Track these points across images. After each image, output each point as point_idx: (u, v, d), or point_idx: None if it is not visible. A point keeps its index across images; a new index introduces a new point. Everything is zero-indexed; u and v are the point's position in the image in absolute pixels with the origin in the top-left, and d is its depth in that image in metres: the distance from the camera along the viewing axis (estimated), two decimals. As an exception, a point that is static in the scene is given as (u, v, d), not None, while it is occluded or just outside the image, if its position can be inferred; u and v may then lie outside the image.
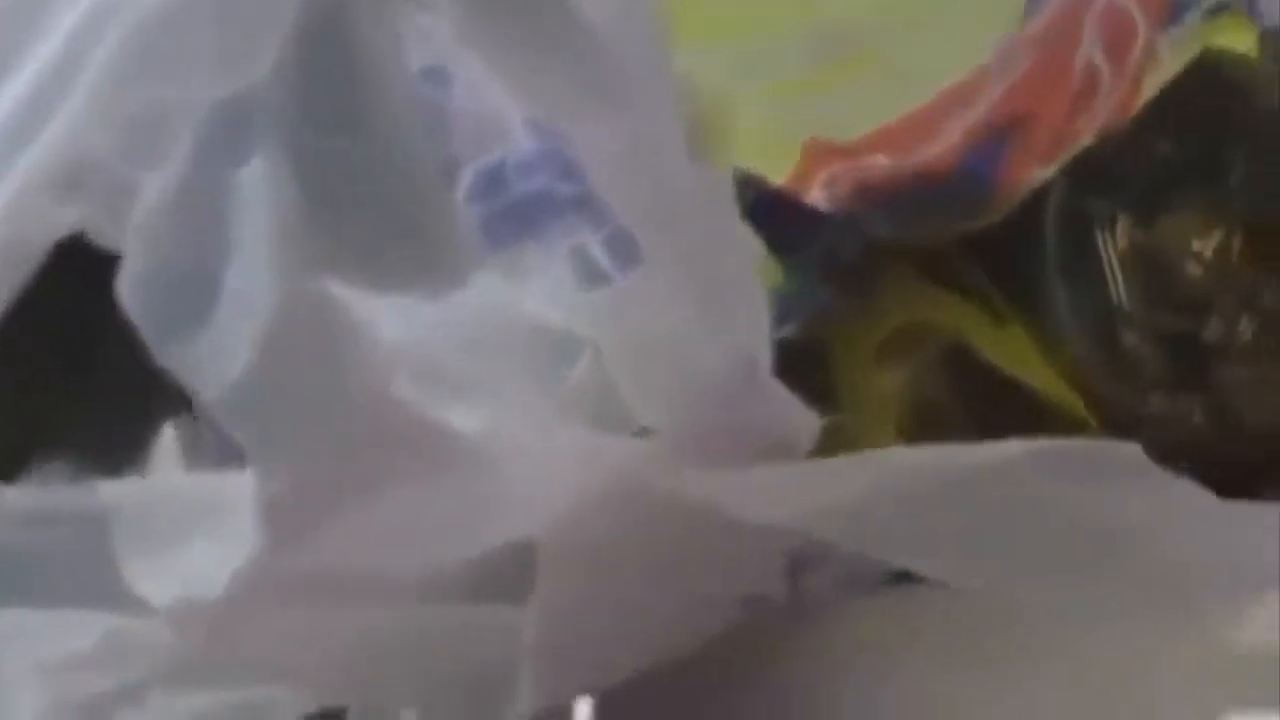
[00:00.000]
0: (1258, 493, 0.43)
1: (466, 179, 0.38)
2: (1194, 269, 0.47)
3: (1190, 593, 0.31)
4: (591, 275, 0.37)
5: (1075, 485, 0.32)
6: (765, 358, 0.35)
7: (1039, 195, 0.45)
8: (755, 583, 0.36)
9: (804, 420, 0.36)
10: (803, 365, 0.43)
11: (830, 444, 0.42)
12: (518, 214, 0.38)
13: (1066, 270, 0.46)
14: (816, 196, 0.40)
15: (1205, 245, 0.47)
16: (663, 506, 0.33)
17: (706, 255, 0.34)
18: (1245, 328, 0.47)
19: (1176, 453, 0.42)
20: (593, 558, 0.34)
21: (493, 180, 0.39)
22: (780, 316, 0.40)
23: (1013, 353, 0.46)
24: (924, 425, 0.45)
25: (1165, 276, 0.47)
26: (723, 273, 0.35)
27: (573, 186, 0.38)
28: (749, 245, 0.36)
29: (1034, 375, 0.46)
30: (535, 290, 0.37)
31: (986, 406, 0.46)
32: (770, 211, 0.40)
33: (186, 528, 0.38)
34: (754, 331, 0.35)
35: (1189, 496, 0.32)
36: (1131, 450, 0.33)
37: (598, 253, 0.37)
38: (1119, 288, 0.46)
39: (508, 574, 0.34)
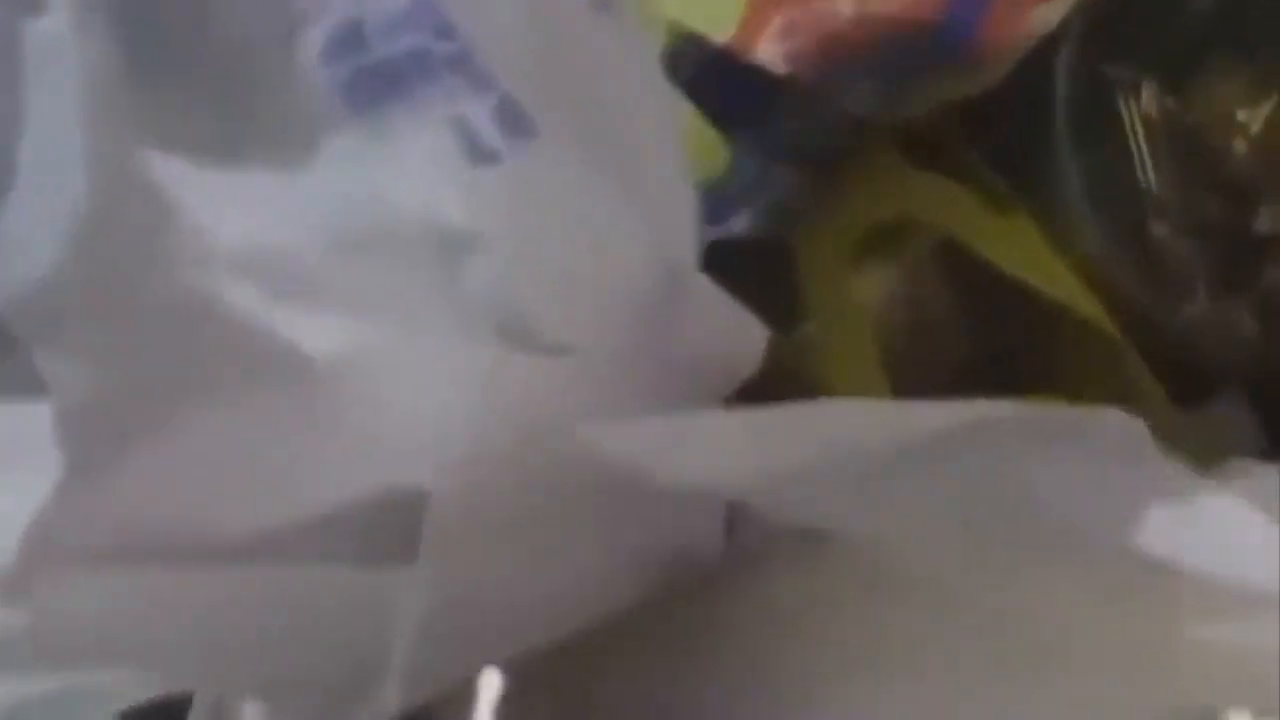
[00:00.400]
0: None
1: (316, 42, 0.33)
2: (1239, 145, 0.42)
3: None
4: (475, 151, 0.32)
5: (1051, 462, 0.29)
6: (690, 257, 0.32)
7: (1046, 57, 0.40)
8: (689, 535, 0.33)
9: (748, 335, 0.33)
10: (762, 269, 0.40)
11: (798, 364, 0.40)
12: (381, 76, 0.33)
13: (1082, 148, 0.41)
14: (770, 52, 0.35)
15: (1252, 116, 0.42)
16: (578, 454, 0.29)
17: (617, 129, 0.31)
18: None
19: (1218, 367, 0.42)
20: (494, 511, 0.30)
21: (347, 41, 0.33)
22: (728, 209, 0.37)
23: (1018, 249, 0.41)
24: (911, 340, 0.41)
25: (1204, 155, 0.42)
26: (638, 152, 0.31)
27: (449, 45, 0.33)
28: (673, 118, 0.32)
29: (1044, 276, 0.41)
30: (407, 170, 0.32)
31: (987, 316, 0.42)
32: (715, 77, 0.35)
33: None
34: (677, 225, 0.32)
35: (1184, 486, 0.30)
36: (1128, 423, 0.29)
37: (483, 124, 0.32)
38: (1146, 169, 0.41)
39: (382, 530, 0.31)
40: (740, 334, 0.32)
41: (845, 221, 0.40)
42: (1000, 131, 0.42)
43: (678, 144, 0.31)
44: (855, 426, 0.30)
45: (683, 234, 0.31)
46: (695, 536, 0.33)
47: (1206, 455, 0.37)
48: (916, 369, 0.41)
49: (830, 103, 0.37)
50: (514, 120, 0.31)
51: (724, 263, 0.36)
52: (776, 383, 0.37)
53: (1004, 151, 0.42)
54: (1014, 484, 0.29)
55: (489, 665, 0.35)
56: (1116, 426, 0.30)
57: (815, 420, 0.30)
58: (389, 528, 0.30)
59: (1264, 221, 0.42)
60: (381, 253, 0.32)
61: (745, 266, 0.38)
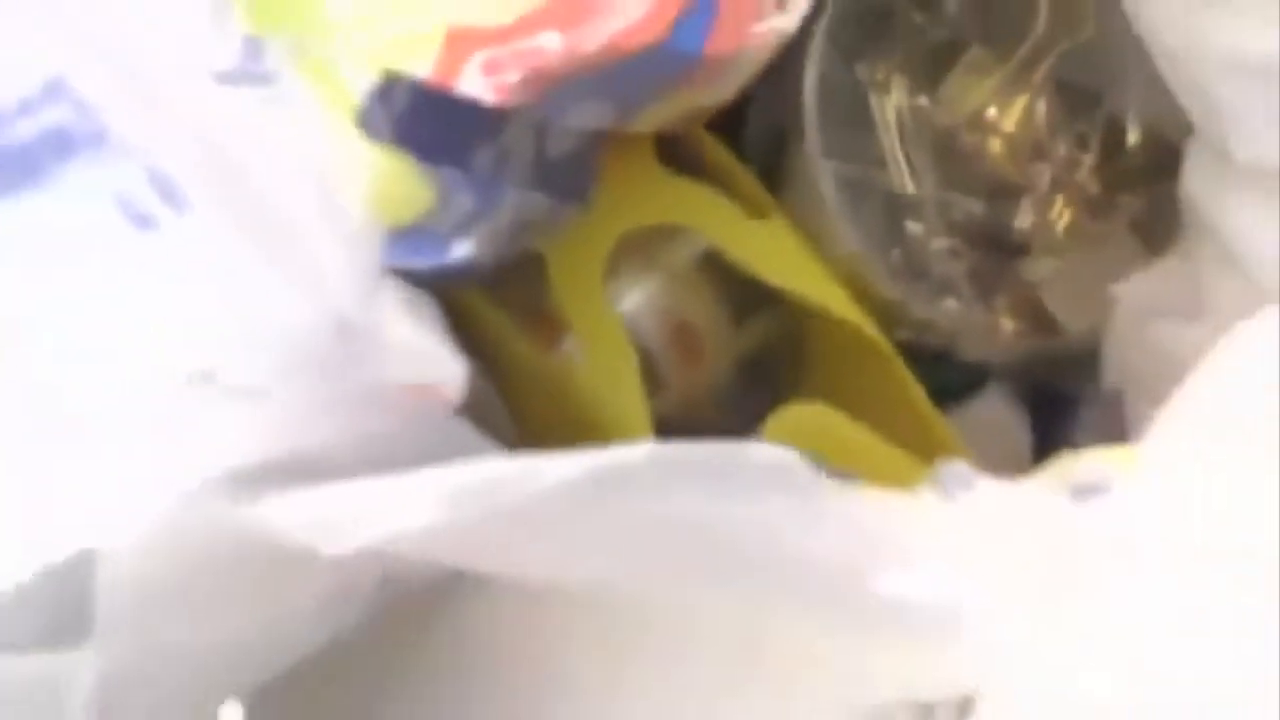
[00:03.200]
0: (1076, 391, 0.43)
1: None
2: (993, 143, 0.41)
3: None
4: (138, 219, 0.32)
5: (698, 497, 0.29)
6: (360, 307, 0.32)
7: (796, 60, 0.40)
8: (353, 586, 0.33)
9: (442, 368, 0.33)
10: (517, 287, 0.40)
11: (563, 379, 0.39)
12: (13, 162, 0.33)
13: (834, 152, 0.40)
14: (474, 87, 0.33)
15: (1006, 113, 0.42)
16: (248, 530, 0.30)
17: (265, 194, 0.32)
18: (1060, 213, 0.42)
19: (980, 357, 0.42)
20: (165, 586, 0.30)
21: None
22: (446, 241, 0.35)
23: (777, 255, 0.40)
24: (674, 347, 0.41)
25: (959, 154, 0.41)
26: (289, 212, 0.32)
27: (89, 123, 0.33)
28: (327, 175, 0.33)
29: (803, 281, 0.40)
30: (76, 236, 0.33)
31: (754, 326, 0.42)
32: (417, 114, 0.33)
33: None
34: (343, 280, 0.32)
35: (830, 504, 0.30)
36: (774, 455, 0.30)
37: (141, 194, 0.32)
38: (901, 169, 0.41)
39: (53, 610, 0.30)
40: (433, 367, 0.33)
41: (596, 231, 0.39)
42: (756, 137, 0.41)
43: (339, 207, 0.32)
44: (500, 476, 0.30)
45: (350, 287, 0.32)
46: (360, 584, 0.33)
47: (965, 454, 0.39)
48: (680, 376, 0.40)
49: (551, 127, 0.35)
50: (170, 189, 0.32)
51: (465, 284, 0.37)
52: (546, 400, 0.39)
53: (759, 160, 0.41)
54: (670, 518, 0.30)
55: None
56: (766, 459, 0.30)
57: (458, 477, 0.29)
58: (59, 607, 0.30)
59: (1021, 220, 0.41)
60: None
61: (501, 285, 0.39)
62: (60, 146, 0.32)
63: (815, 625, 0.30)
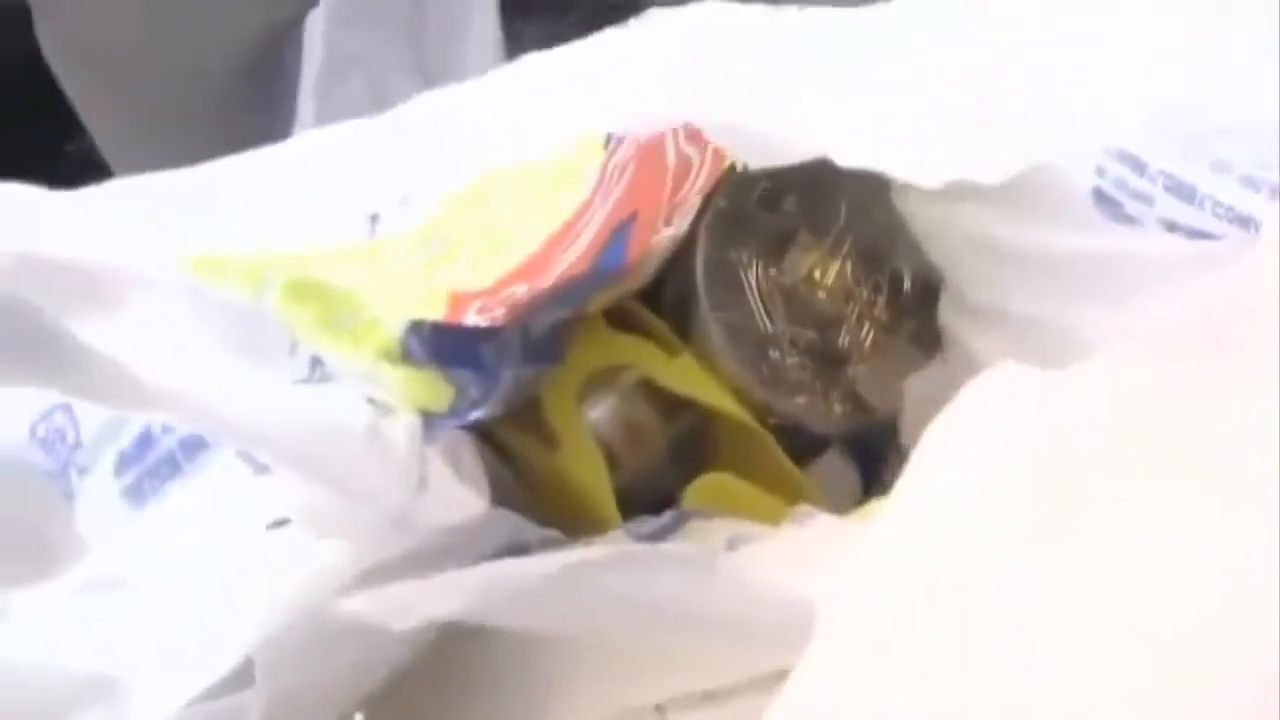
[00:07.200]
0: (885, 449, 0.42)
1: (108, 461, 0.34)
2: (820, 294, 0.43)
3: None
4: (256, 467, 0.33)
5: (637, 575, 0.30)
6: (398, 507, 0.32)
7: (689, 251, 0.41)
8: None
9: (473, 504, 0.34)
10: (525, 414, 0.40)
11: (559, 475, 0.40)
12: (163, 466, 0.34)
13: (718, 307, 0.41)
14: (474, 321, 0.34)
15: (826, 275, 0.42)
16: (350, 618, 0.31)
17: (315, 456, 0.31)
18: (866, 334, 0.43)
19: (822, 431, 0.42)
20: (304, 649, 0.32)
21: (141, 445, 0.34)
22: (467, 414, 0.35)
23: (687, 377, 0.41)
24: (627, 444, 0.41)
25: (798, 302, 0.42)
26: (335, 462, 0.32)
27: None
28: (357, 436, 0.32)
29: (706, 393, 0.41)
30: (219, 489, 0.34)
31: (675, 422, 0.42)
32: (439, 341, 0.34)
33: None
34: (385, 496, 0.32)
35: (718, 577, 0.31)
36: (683, 549, 0.32)
37: (257, 456, 0.33)
38: (762, 316, 0.42)
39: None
40: (467, 506, 0.34)
41: (572, 373, 0.40)
42: (669, 303, 0.42)
43: (383, 439, 0.32)
44: (514, 571, 0.31)
45: (392, 498, 0.32)
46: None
47: (820, 497, 0.40)
48: (632, 463, 0.41)
49: (531, 329, 0.36)
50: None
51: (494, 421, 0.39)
52: (550, 489, 0.41)
53: (673, 315, 0.42)
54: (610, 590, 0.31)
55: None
56: (673, 551, 0.32)
57: (480, 574, 0.31)
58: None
59: (842, 341, 0.42)
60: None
61: (517, 414, 0.40)
62: (195, 446, 0.33)
63: (709, 643, 0.31)
